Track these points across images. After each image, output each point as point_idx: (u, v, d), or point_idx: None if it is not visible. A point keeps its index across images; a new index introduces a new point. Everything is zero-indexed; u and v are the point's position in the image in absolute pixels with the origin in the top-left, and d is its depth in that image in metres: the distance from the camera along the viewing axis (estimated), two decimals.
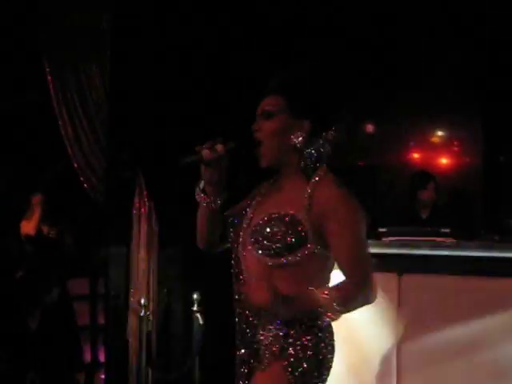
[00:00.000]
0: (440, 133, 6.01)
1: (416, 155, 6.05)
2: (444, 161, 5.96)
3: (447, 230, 3.13)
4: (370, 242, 3.10)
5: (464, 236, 3.27)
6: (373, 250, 3.09)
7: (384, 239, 3.17)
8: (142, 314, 3.83)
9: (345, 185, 1.70)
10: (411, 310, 2.98)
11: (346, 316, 1.64)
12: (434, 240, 3.09)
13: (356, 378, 2.98)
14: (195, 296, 3.74)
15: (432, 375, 2.95)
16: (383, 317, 2.98)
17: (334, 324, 1.68)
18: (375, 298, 1.68)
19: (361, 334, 2.98)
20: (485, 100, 5.31)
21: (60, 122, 4.05)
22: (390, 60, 5.25)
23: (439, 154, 5.98)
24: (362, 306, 1.67)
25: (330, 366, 1.68)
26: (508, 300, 2.83)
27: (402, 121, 5.74)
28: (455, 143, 5.90)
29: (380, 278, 3.00)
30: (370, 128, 6.17)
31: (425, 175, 4.49)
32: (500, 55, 4.95)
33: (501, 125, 5.13)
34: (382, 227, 3.24)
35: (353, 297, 1.64)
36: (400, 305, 3.00)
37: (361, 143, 5.87)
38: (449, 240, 3.09)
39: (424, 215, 4.31)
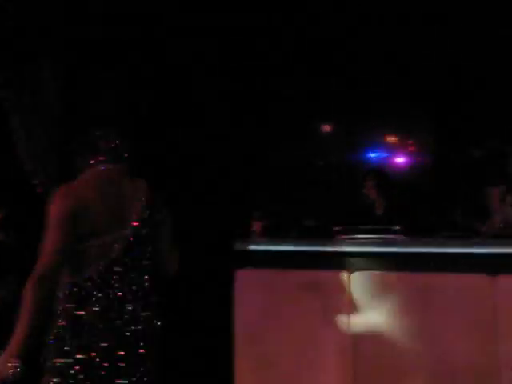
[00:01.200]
0: (395, 133, 6.19)
1: (372, 155, 6.20)
2: (398, 160, 6.14)
3: (398, 228, 3.20)
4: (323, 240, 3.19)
5: (415, 233, 3.35)
6: (327, 249, 3.20)
7: (338, 237, 3.22)
8: None
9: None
10: (361, 305, 3.05)
11: None
12: (385, 237, 3.15)
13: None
14: None
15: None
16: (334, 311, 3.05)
17: None
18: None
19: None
20: (436, 101, 5.50)
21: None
22: (341, 60, 5.34)
23: (394, 153, 6.16)
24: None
25: None
26: (451, 295, 2.91)
27: (358, 121, 5.89)
28: (409, 143, 6.10)
29: (334, 276, 3.11)
30: (327, 128, 6.29)
31: (366, 173, 4.57)
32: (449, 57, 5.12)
33: (451, 125, 5.36)
34: (338, 225, 3.29)
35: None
36: (350, 301, 3.06)
37: (319, 143, 5.99)
38: (400, 237, 3.16)
39: (378, 213, 4.39)
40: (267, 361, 3.16)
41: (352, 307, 3.06)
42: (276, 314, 3.20)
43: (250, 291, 3.26)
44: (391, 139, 6.17)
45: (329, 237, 3.24)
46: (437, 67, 5.33)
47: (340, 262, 3.14)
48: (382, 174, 4.64)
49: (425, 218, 4.23)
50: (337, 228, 3.21)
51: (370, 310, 3.04)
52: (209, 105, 4.01)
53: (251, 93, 4.80)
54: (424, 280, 2.96)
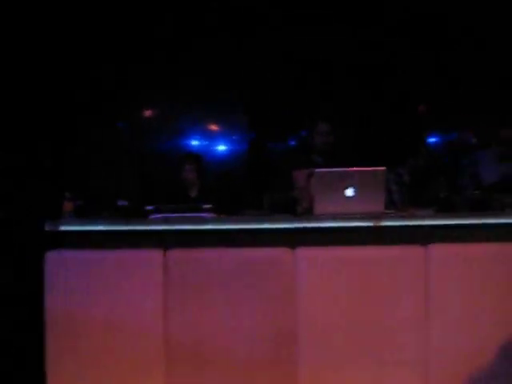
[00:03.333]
0: (214, 121, 6.42)
1: (194, 142, 6.37)
2: (218, 147, 6.39)
3: (210, 206, 3.32)
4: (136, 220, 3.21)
5: (227, 211, 3.51)
6: (139, 228, 3.23)
7: (151, 217, 3.27)
8: None
9: None
10: (177, 284, 3.12)
11: None
12: (197, 216, 3.26)
13: None
14: None
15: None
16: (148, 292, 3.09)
17: None
18: None
19: None
20: (250, 93, 5.84)
21: None
22: (145, 47, 5.43)
23: (213, 140, 6.40)
24: None
25: None
26: (258, 269, 3.10)
27: (178, 109, 6.02)
28: (226, 132, 6.39)
29: (148, 255, 3.14)
30: (149, 113, 6.31)
31: (184, 156, 4.73)
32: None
33: (263, 117, 5.73)
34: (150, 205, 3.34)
35: None
36: (167, 279, 3.12)
37: (138, 127, 6.02)
38: (211, 215, 3.29)
39: (192, 194, 4.52)
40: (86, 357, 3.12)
41: (168, 286, 3.12)
42: (93, 301, 3.16)
43: (63, 274, 3.18)
44: (211, 127, 6.39)
45: (142, 216, 3.27)
46: (253, 58, 5.63)
47: (153, 240, 3.19)
48: (200, 158, 4.81)
49: (237, 200, 4.44)
50: (149, 207, 3.26)
51: (186, 288, 3.12)
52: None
53: (65, 79, 4.70)
54: (232, 255, 3.13)
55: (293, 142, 6.45)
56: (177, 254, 3.14)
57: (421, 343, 3.03)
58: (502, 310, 3.02)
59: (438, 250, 3.06)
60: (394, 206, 3.94)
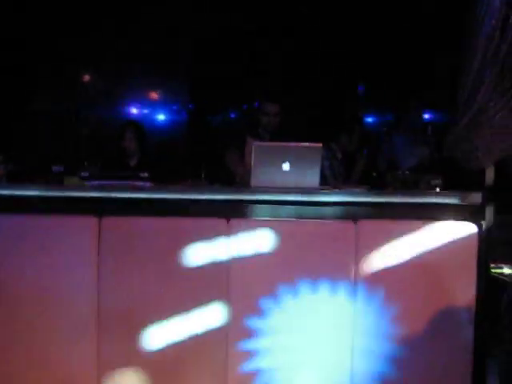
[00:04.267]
0: (156, 92, 6.39)
1: (134, 110, 6.31)
2: (158, 116, 6.36)
3: (146, 175, 3.32)
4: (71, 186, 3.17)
5: (165, 181, 3.52)
6: (74, 194, 3.19)
7: (86, 183, 3.24)
8: None
9: None
10: (111, 251, 3.12)
11: None
12: (133, 184, 3.26)
13: None
14: None
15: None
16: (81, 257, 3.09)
17: None
18: None
19: None
20: (192, 64, 5.85)
21: None
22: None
23: (155, 110, 6.37)
24: None
25: None
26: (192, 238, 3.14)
27: (120, 76, 5.95)
28: (168, 102, 6.38)
29: (80, 221, 3.12)
30: (86, 78, 6.19)
31: (125, 124, 4.68)
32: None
33: (205, 89, 5.75)
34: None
35: None
36: (100, 247, 3.11)
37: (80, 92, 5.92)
38: (147, 184, 3.29)
39: (132, 163, 4.48)
40: (18, 323, 3.09)
41: (101, 254, 3.11)
42: (25, 266, 3.12)
43: None
44: (151, 95, 6.35)
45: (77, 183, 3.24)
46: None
47: (89, 207, 3.17)
48: (141, 126, 4.77)
49: (175, 170, 4.45)
50: (85, 174, 3.23)
51: (119, 256, 3.13)
52: None
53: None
54: (167, 224, 3.15)
55: (232, 115, 6.49)
56: (111, 222, 3.13)
57: None
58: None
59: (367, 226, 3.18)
60: (324, 180, 4.05)
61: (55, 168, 3.27)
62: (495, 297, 3.07)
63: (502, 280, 3.25)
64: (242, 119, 6.24)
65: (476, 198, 3.19)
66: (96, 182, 3.20)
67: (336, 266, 3.14)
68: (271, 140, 4.45)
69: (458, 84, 3.12)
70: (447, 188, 3.40)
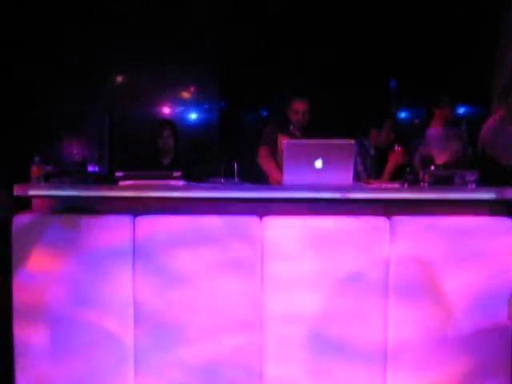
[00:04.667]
0: (188, 91, 6.44)
1: (165, 109, 6.37)
2: (189, 115, 6.41)
3: (180, 174, 3.34)
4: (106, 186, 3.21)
5: (198, 179, 3.54)
6: (109, 194, 3.23)
7: (121, 183, 3.27)
8: None
9: None
10: (146, 249, 3.16)
11: None
12: (167, 183, 3.28)
13: None
14: None
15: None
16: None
17: None
18: None
19: None
20: (222, 66, 5.88)
21: None
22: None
23: (187, 109, 6.41)
24: None
25: None
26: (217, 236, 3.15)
27: (152, 75, 6.01)
28: (199, 101, 6.42)
29: (116, 220, 3.15)
30: (119, 79, 6.27)
31: (161, 123, 4.73)
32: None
33: (235, 88, 5.76)
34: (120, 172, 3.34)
35: None
36: (135, 245, 3.15)
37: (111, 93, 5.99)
38: (180, 182, 3.31)
39: (165, 162, 4.53)
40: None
41: (137, 250, 3.15)
42: (59, 264, 3.17)
43: (29, 237, 3.18)
44: (182, 95, 6.40)
45: (112, 182, 3.28)
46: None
47: (122, 206, 3.21)
48: (176, 125, 4.84)
49: (208, 168, 4.47)
50: (119, 174, 3.26)
51: (156, 253, 3.16)
52: None
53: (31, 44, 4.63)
54: (201, 222, 3.17)
55: (264, 113, 6.49)
56: (145, 221, 3.17)
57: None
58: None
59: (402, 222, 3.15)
60: (356, 176, 4.02)
61: (90, 168, 3.32)
62: None
63: None
64: (273, 117, 6.26)
65: None
66: (130, 182, 3.24)
67: (370, 263, 3.12)
68: (303, 137, 4.44)
69: (492, 79, 3.08)
70: (482, 183, 3.35)
